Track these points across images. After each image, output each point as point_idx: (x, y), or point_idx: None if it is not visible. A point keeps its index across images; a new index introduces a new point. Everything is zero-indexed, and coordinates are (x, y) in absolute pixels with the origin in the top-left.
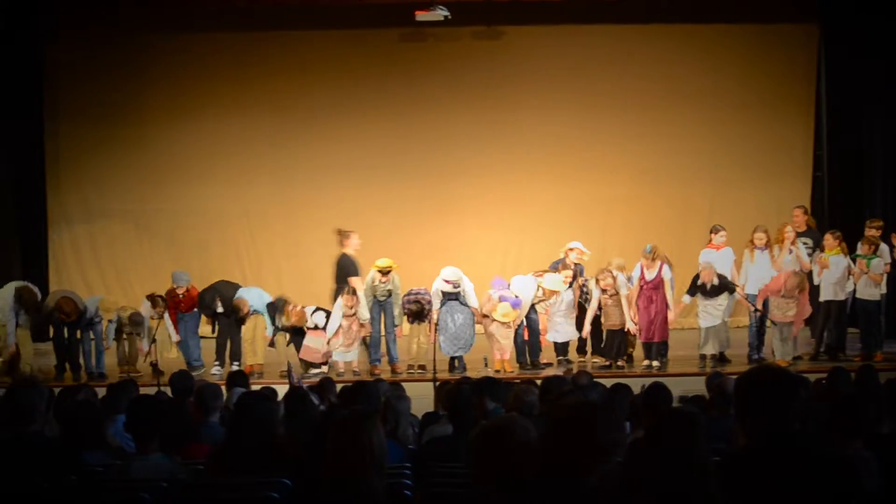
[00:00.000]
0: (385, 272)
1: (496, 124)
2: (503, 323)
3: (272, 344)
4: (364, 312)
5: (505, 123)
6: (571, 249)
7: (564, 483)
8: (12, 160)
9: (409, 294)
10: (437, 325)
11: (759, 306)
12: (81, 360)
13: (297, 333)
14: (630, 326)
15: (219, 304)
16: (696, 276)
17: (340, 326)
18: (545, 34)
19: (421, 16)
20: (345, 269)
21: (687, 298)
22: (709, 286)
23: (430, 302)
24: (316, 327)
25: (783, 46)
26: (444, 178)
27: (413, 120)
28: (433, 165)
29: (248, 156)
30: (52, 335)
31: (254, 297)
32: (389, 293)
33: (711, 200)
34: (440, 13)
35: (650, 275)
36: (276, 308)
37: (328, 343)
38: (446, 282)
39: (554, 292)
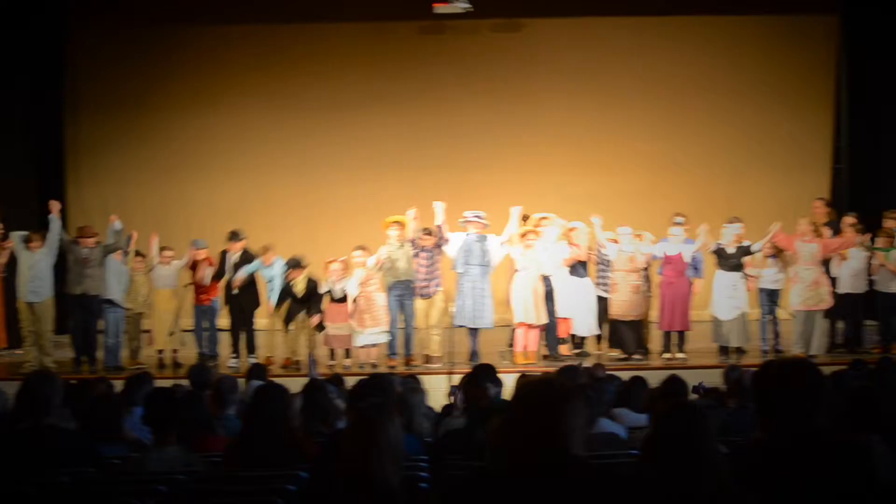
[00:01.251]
0: (399, 223)
1: (515, 117)
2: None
3: (321, 327)
4: (382, 253)
5: (524, 116)
6: (573, 230)
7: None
8: (33, 149)
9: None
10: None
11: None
12: (98, 353)
13: (312, 309)
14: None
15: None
16: (718, 243)
17: (357, 302)
18: (564, 26)
19: (438, 8)
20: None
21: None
22: (731, 250)
23: (443, 238)
24: (344, 298)
25: (803, 38)
26: (464, 171)
27: (432, 112)
28: (452, 158)
29: (267, 148)
30: (70, 327)
31: (277, 263)
32: (406, 262)
33: (731, 192)
34: (459, 6)
35: (673, 249)
36: (295, 264)
37: (352, 321)
38: (471, 220)
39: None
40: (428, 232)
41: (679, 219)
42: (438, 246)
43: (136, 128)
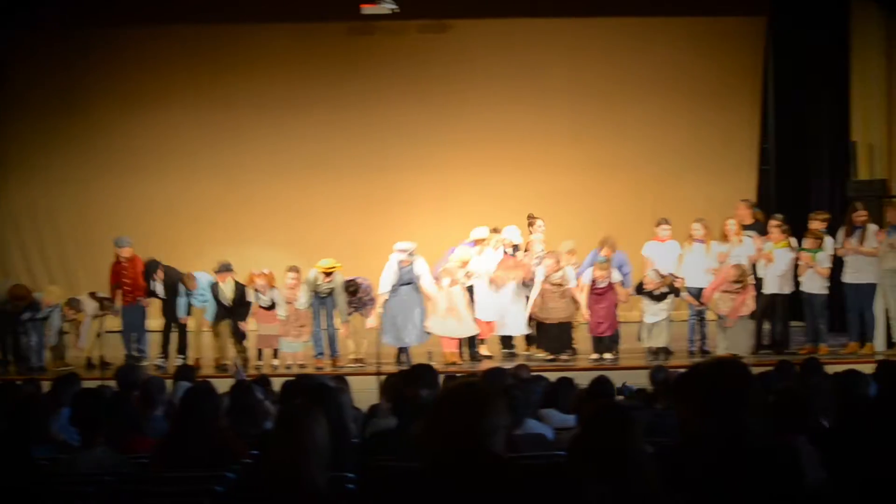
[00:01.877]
0: (328, 273)
1: (444, 118)
2: (463, 273)
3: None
4: (302, 300)
5: (453, 117)
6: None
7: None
8: None
9: (348, 282)
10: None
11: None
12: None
13: (239, 315)
14: (584, 313)
15: (160, 277)
16: (642, 283)
17: (287, 317)
18: (493, 27)
19: (366, 9)
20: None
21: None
22: (656, 293)
23: (367, 288)
24: (272, 306)
25: (731, 40)
26: (393, 172)
27: (361, 113)
28: (382, 158)
29: (196, 149)
30: None
31: (202, 279)
32: (331, 291)
33: (658, 193)
34: (386, 6)
35: (602, 283)
36: (224, 268)
37: (282, 325)
38: (400, 251)
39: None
40: (353, 290)
41: (602, 253)
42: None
43: (65, 128)
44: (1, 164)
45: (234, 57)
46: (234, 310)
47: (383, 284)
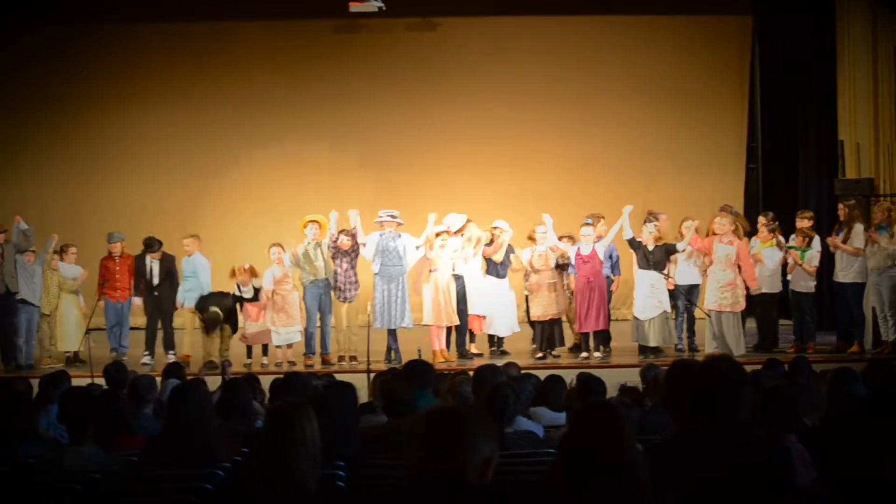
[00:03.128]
0: (317, 222)
1: (431, 116)
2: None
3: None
4: (298, 249)
5: (440, 115)
6: (495, 228)
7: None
8: None
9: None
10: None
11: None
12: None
13: (229, 316)
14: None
15: (158, 256)
16: (632, 240)
17: (272, 297)
18: (479, 25)
19: (354, 7)
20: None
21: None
22: (651, 246)
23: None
24: (255, 297)
25: (717, 38)
26: (380, 170)
27: (348, 111)
28: (368, 158)
29: (184, 147)
30: None
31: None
32: (322, 260)
33: (646, 192)
34: (374, 4)
35: (586, 248)
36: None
37: (265, 318)
38: (385, 221)
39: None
40: (347, 234)
41: (588, 219)
42: (355, 250)
43: (55, 126)
44: None
45: (222, 54)
46: (224, 320)
47: (367, 253)
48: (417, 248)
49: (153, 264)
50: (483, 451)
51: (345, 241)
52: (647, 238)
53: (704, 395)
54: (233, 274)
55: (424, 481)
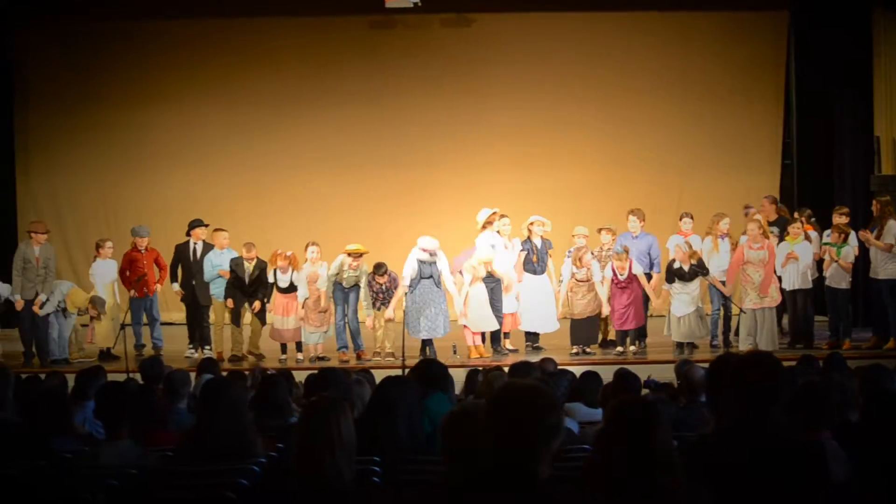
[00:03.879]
0: (356, 256)
1: (466, 112)
2: (484, 269)
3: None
4: (323, 279)
5: (475, 111)
6: (532, 223)
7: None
8: None
9: (378, 264)
10: (405, 306)
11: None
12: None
13: (256, 296)
14: (605, 310)
15: (199, 236)
16: (671, 262)
17: (306, 303)
18: (515, 22)
19: (390, 3)
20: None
21: (667, 286)
22: (687, 268)
23: (394, 278)
24: (290, 288)
25: (753, 34)
26: (414, 166)
27: (382, 108)
28: (402, 153)
29: (218, 143)
30: (19, 321)
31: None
32: (357, 282)
33: (681, 188)
34: (410, 0)
35: (622, 275)
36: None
37: (299, 317)
38: (423, 250)
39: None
40: (383, 272)
41: (633, 217)
42: (393, 279)
43: (86, 120)
44: (23, 151)
45: (256, 50)
46: (252, 288)
47: (404, 278)
48: (451, 280)
49: (196, 246)
50: (558, 436)
51: (380, 278)
52: (682, 257)
53: (745, 392)
54: (273, 259)
55: (492, 468)
